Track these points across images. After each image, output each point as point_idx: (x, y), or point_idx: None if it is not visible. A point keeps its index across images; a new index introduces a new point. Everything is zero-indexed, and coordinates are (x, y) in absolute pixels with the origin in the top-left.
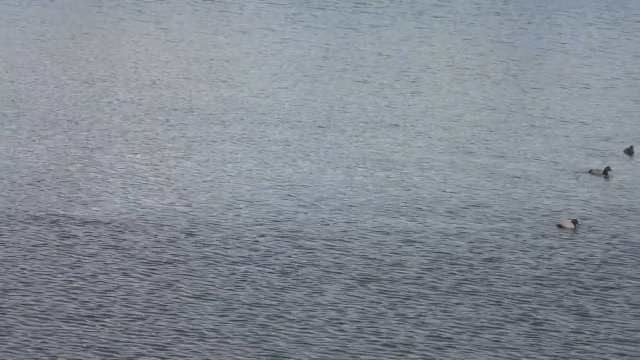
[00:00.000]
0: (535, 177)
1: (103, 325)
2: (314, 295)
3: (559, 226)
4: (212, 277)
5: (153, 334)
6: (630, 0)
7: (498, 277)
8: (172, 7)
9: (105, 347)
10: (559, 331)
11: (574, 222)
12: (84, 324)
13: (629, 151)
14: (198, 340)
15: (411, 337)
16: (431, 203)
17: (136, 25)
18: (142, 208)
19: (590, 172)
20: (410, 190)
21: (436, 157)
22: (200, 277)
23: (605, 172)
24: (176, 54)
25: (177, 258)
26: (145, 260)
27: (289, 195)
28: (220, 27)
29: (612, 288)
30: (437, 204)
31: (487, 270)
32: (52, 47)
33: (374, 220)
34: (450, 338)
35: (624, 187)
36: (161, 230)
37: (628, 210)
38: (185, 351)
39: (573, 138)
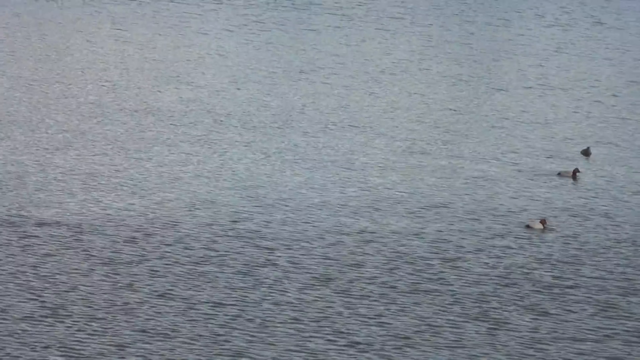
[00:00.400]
0: (495, 178)
1: (63, 325)
2: (273, 294)
3: (528, 227)
4: (172, 277)
5: (113, 333)
6: (585, 1)
7: (458, 276)
8: (131, 8)
9: (65, 347)
10: (517, 330)
11: (543, 222)
12: (44, 324)
13: (586, 152)
14: (158, 340)
15: (370, 336)
16: (390, 204)
17: (95, 26)
18: (102, 209)
19: (559, 174)
20: (369, 190)
21: (395, 158)
22: (160, 276)
23: (574, 174)
24: (135, 54)
25: (136, 258)
26: (105, 261)
27: (248, 196)
28: (179, 28)
29: (572, 287)
30: (396, 204)
31: (447, 270)
32: (8, 47)
33: (333, 221)
34: (408, 337)
35: (590, 189)
36: (121, 230)
37: (592, 210)
38: (145, 351)
39: (532, 139)
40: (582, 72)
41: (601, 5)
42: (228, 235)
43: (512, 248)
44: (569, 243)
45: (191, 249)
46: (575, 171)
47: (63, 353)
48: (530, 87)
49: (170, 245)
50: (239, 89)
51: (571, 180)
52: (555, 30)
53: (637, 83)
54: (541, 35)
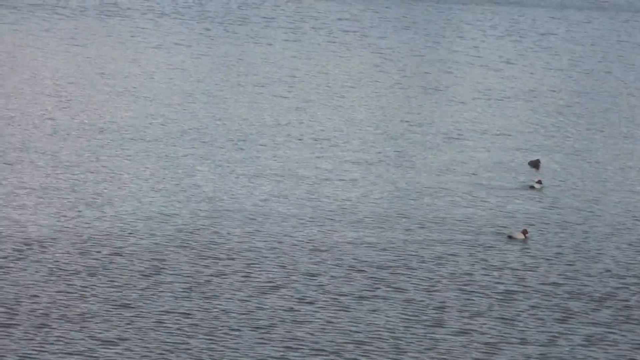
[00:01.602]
0: (451, 189)
1: (12, 336)
2: (224, 303)
3: (510, 237)
4: (122, 287)
5: (62, 343)
6: (535, 14)
7: (412, 284)
8: (84, 23)
9: (16, 355)
10: (479, 335)
11: (524, 232)
12: None
13: (535, 164)
14: (106, 347)
15: (317, 342)
16: (343, 214)
17: (46, 41)
18: (54, 222)
19: (529, 163)
20: (322, 201)
21: (350, 169)
22: (111, 287)
23: (536, 164)
24: (86, 68)
25: (88, 269)
26: (54, 272)
27: (201, 208)
28: (132, 43)
29: (530, 292)
30: (350, 214)
31: (399, 277)
32: None
33: (287, 231)
34: (361, 342)
35: (548, 199)
36: (73, 243)
37: (556, 221)
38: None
39: (482, 150)
40: (533, 83)
41: (551, 17)
42: (180, 246)
43: (498, 257)
44: (546, 251)
45: (142, 260)
46: (539, 181)
47: None
48: (484, 98)
49: (121, 255)
50: (193, 102)
51: (537, 190)
52: (507, 41)
53: (586, 94)
54: (493, 46)
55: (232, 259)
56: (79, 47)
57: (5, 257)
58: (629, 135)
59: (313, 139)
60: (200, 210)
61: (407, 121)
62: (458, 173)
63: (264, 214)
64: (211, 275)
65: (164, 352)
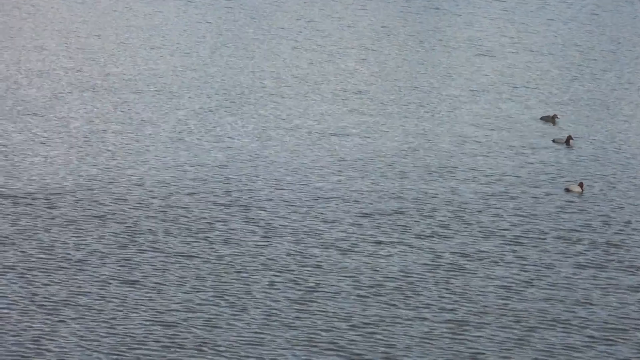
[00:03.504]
0: (483, 142)
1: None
2: (239, 247)
3: (567, 190)
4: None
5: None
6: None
7: (500, 236)
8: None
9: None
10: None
11: (581, 185)
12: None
13: (550, 119)
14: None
15: (262, 334)
16: (389, 165)
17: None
18: (86, 170)
19: (553, 140)
20: (347, 153)
21: (382, 121)
22: (139, 233)
23: (568, 140)
24: (114, 23)
25: (115, 215)
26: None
27: (223, 160)
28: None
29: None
30: (393, 166)
31: (469, 233)
32: None
33: (312, 181)
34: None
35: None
36: (97, 192)
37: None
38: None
39: (505, 103)
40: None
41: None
42: (198, 193)
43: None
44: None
45: (170, 207)
46: (569, 138)
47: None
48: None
49: (144, 204)
50: (220, 55)
51: (565, 147)
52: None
53: (597, 49)
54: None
55: (252, 207)
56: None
57: (40, 204)
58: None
59: (339, 91)
60: (223, 160)
61: (431, 74)
62: (484, 126)
63: (288, 165)
64: (232, 222)
65: (98, 339)
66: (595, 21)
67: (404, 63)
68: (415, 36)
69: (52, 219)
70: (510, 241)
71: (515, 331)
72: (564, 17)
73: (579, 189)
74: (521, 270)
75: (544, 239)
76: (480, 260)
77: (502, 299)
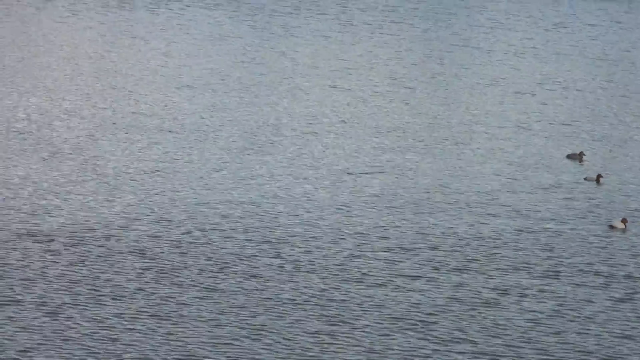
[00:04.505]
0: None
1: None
2: (268, 282)
3: (611, 227)
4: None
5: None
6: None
7: (539, 273)
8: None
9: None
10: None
11: (624, 221)
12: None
13: (577, 157)
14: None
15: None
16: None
17: (81, 34)
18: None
19: (585, 179)
20: (365, 191)
21: (406, 158)
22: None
23: (598, 179)
24: (132, 62)
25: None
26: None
27: (246, 197)
28: (171, 34)
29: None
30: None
31: (514, 268)
32: None
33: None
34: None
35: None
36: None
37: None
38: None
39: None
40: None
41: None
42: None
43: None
44: None
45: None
46: (599, 176)
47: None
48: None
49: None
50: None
51: (595, 184)
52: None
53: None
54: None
55: (282, 243)
56: (113, 39)
57: (67, 245)
58: None
59: (370, 129)
60: (253, 198)
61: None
62: (513, 164)
63: (319, 202)
64: (260, 258)
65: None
66: (626, 58)
67: (434, 100)
68: (444, 73)
69: (84, 256)
70: (555, 277)
71: None
72: (592, 53)
73: (622, 225)
74: (564, 306)
75: (591, 274)
76: (522, 296)
77: (541, 334)
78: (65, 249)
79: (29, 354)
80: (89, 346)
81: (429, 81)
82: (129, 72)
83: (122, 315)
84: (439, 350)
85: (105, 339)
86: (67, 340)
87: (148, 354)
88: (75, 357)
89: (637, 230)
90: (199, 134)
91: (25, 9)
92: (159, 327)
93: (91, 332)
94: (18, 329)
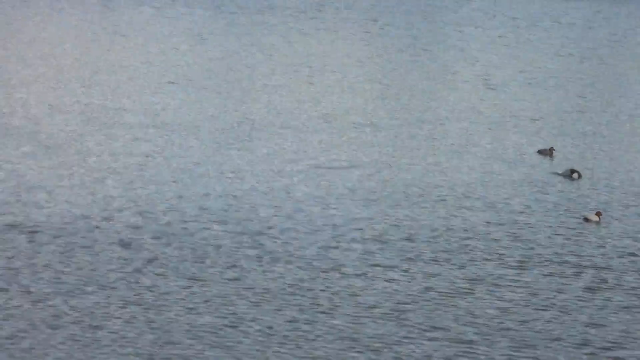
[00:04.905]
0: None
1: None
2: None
3: (586, 219)
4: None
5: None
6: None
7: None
8: (97, 12)
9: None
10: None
11: (598, 214)
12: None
13: (548, 152)
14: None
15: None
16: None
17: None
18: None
19: (538, 152)
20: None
21: (395, 153)
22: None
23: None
24: (129, 59)
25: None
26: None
27: (237, 191)
28: (164, 33)
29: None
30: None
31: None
32: None
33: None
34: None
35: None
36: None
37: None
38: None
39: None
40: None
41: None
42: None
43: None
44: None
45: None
46: (551, 149)
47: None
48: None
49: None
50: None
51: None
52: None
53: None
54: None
55: (263, 234)
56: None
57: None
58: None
59: (349, 124)
60: (233, 190)
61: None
62: (488, 159)
63: (297, 195)
64: (241, 249)
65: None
66: (595, 55)
67: (410, 97)
68: (420, 70)
69: (69, 246)
70: (528, 267)
71: (517, 352)
72: (563, 51)
73: (596, 218)
74: (534, 294)
75: (564, 265)
76: (495, 285)
77: (513, 322)
78: (50, 240)
79: (14, 339)
80: (72, 333)
81: (405, 78)
82: (111, 68)
83: (106, 304)
84: (413, 337)
85: (89, 326)
86: (53, 327)
87: (130, 341)
88: (59, 344)
89: (611, 223)
90: (180, 129)
91: (6, 4)
92: (141, 314)
93: (76, 320)
94: (3, 317)
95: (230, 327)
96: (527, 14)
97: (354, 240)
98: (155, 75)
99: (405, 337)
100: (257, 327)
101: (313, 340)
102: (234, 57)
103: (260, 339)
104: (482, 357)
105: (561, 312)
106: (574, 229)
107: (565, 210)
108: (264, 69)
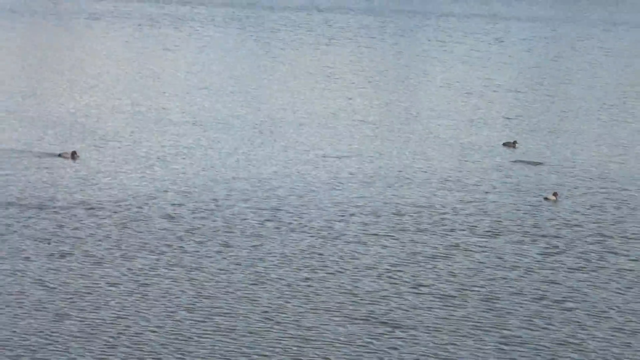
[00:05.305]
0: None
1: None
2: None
3: (545, 199)
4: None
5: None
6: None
7: (478, 245)
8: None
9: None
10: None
11: (555, 194)
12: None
13: (511, 145)
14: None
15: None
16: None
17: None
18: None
19: (503, 144)
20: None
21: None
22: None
23: (514, 144)
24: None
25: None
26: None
27: (266, 184)
28: (194, 47)
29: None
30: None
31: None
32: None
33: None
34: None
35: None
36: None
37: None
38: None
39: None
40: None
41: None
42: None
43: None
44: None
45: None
46: (515, 143)
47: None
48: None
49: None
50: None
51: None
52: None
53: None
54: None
55: (282, 210)
56: (115, 49)
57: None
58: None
59: (348, 122)
60: (251, 174)
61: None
62: (468, 150)
63: (305, 178)
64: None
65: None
66: (553, 66)
67: (400, 100)
68: (408, 78)
69: (124, 220)
70: (496, 236)
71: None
72: (525, 63)
73: (554, 198)
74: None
75: (527, 235)
76: (468, 251)
77: (484, 279)
78: (108, 215)
79: (78, 295)
80: (127, 290)
81: (395, 84)
82: (157, 76)
83: (154, 266)
84: (402, 292)
85: (140, 284)
86: (110, 284)
87: (174, 295)
88: (116, 298)
89: (565, 201)
90: (213, 125)
91: (76, 25)
92: (183, 274)
93: (130, 279)
94: (69, 278)
95: (255, 284)
96: (495, 33)
97: (354, 214)
98: (193, 82)
99: (395, 292)
100: (277, 285)
101: (322, 294)
102: (256, 67)
103: (279, 293)
104: (459, 308)
105: (522, 272)
106: (535, 206)
107: (527, 191)
108: (281, 76)
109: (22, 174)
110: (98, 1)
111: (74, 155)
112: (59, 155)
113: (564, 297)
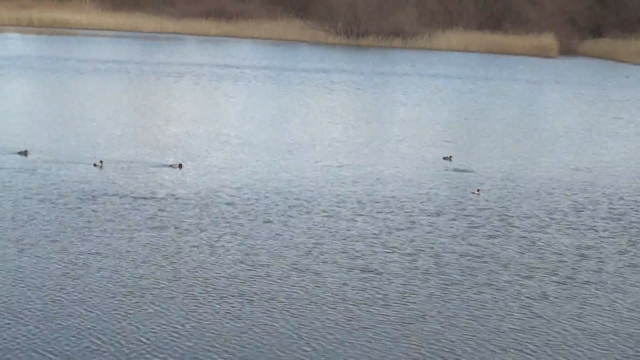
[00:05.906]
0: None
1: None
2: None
3: (472, 193)
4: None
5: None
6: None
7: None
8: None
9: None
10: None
11: (479, 190)
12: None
13: (448, 158)
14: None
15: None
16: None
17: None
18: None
19: (443, 158)
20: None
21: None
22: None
23: (450, 158)
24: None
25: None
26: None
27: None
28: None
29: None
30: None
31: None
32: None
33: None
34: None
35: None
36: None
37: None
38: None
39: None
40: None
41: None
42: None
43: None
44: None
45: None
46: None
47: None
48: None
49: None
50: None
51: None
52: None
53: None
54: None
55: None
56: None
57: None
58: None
59: (332, 146)
60: (281, 179)
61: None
62: (417, 163)
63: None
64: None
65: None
66: (475, 105)
67: (374, 132)
68: (380, 117)
69: (210, 210)
70: (437, 216)
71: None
72: (458, 104)
73: (478, 192)
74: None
75: (459, 216)
76: (421, 225)
77: (429, 246)
78: (203, 205)
79: (142, 267)
80: (195, 260)
81: (374, 119)
82: (225, 114)
83: (217, 239)
84: (393, 256)
85: (206, 254)
86: (177, 252)
87: (222, 267)
88: (186, 259)
89: (484, 194)
90: (258, 146)
91: (167, 81)
92: (240, 245)
93: (194, 248)
94: (138, 248)
95: (297, 253)
96: (437, 85)
97: (350, 203)
98: (245, 117)
99: (373, 251)
100: (297, 252)
101: (320, 255)
102: (285, 108)
103: (292, 269)
104: (410, 261)
105: (455, 239)
106: (465, 197)
107: (460, 188)
108: (301, 113)
109: (145, 177)
110: (182, 65)
111: (180, 166)
112: (170, 165)
113: (480, 255)
